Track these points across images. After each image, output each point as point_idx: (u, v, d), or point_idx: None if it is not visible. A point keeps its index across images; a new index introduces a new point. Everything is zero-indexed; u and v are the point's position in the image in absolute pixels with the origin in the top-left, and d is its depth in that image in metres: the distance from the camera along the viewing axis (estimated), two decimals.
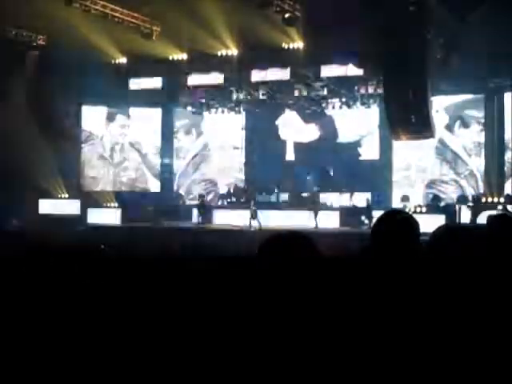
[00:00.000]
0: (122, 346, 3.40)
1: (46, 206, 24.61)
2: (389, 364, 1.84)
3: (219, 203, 25.85)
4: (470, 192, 22.26)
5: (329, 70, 21.70)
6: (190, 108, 25.76)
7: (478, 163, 22.54)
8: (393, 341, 1.89)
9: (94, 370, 2.93)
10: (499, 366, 1.94)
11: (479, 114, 22.29)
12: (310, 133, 26.37)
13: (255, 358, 1.65)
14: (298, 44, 20.53)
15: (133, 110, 26.86)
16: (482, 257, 2.44)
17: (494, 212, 13.39)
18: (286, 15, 18.43)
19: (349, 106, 23.69)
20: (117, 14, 19.48)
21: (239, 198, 25.13)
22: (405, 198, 22.97)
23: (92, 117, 26.89)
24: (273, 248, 1.77)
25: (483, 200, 19.72)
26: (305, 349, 1.65)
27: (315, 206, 22.15)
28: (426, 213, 19.69)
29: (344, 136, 25.60)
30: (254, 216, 21.81)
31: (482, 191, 21.37)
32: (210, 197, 26.90)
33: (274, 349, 1.65)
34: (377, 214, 16.49)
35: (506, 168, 21.32)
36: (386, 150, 24.11)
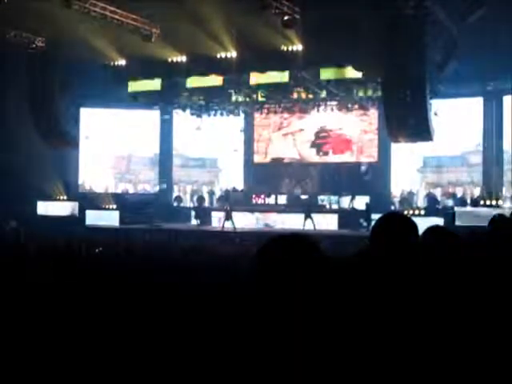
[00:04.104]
0: (120, 348, 3.40)
1: (45, 208, 24.60)
2: (388, 365, 1.84)
3: (217, 206, 25.88)
4: (469, 195, 22.30)
5: (328, 73, 21.71)
6: (188, 110, 25.78)
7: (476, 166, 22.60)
8: (393, 343, 1.90)
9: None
10: (497, 365, 1.95)
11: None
12: (310, 136, 26.45)
13: (257, 360, 1.66)
14: (297, 46, 20.53)
15: (132, 112, 26.83)
16: (476, 258, 2.45)
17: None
18: (285, 18, 18.43)
19: (347, 109, 23.71)
20: (116, 16, 19.46)
21: (237, 200, 25.15)
22: (403, 201, 23.02)
23: (91, 118, 26.92)
24: (274, 250, 1.78)
25: (482, 203, 19.73)
26: (306, 351, 1.65)
27: (310, 209, 22.14)
28: (425, 216, 19.71)
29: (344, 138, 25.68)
30: (228, 217, 21.82)
31: (480, 194, 21.40)
32: (208, 199, 26.92)
33: (276, 351, 1.65)
34: (375, 216, 16.50)
35: (504, 171, 21.37)
36: (385, 152, 24.16)
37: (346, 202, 23.92)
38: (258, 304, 1.74)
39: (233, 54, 21.73)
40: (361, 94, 22.47)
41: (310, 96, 23.20)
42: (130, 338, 3.62)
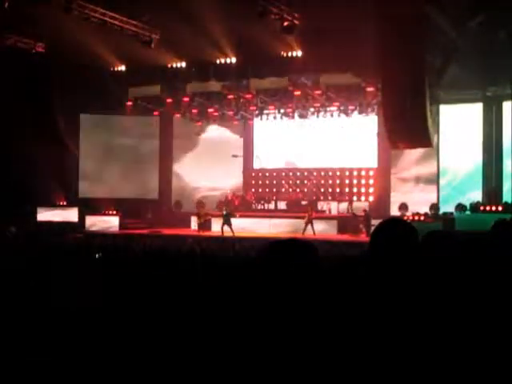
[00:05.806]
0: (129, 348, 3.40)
1: (44, 214, 24.56)
2: (389, 366, 1.84)
3: (217, 211, 25.85)
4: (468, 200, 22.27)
5: (327, 78, 21.75)
6: (188, 116, 25.77)
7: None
8: (394, 345, 1.89)
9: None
10: (499, 365, 1.95)
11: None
12: (309, 141, 26.47)
13: (256, 361, 1.66)
14: (297, 52, 20.57)
15: (131, 118, 26.77)
16: (475, 263, 2.45)
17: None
18: (285, 23, 18.47)
19: (347, 114, 23.74)
20: (116, 22, 19.46)
21: (237, 206, 25.14)
22: (403, 206, 23.01)
23: (91, 124, 26.91)
24: (273, 254, 1.77)
25: (481, 208, 19.71)
26: (305, 353, 1.65)
27: (310, 214, 22.13)
28: (424, 221, 19.70)
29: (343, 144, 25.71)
30: (226, 222, 21.76)
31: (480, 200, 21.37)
32: (208, 204, 26.89)
33: (275, 353, 1.65)
34: (375, 222, 16.52)
35: (504, 176, 21.35)
36: (384, 158, 24.19)
37: (345, 207, 23.93)
38: (257, 306, 1.73)
39: (232, 59, 21.77)
40: (360, 99, 22.51)
41: (310, 101, 23.22)
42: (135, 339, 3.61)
